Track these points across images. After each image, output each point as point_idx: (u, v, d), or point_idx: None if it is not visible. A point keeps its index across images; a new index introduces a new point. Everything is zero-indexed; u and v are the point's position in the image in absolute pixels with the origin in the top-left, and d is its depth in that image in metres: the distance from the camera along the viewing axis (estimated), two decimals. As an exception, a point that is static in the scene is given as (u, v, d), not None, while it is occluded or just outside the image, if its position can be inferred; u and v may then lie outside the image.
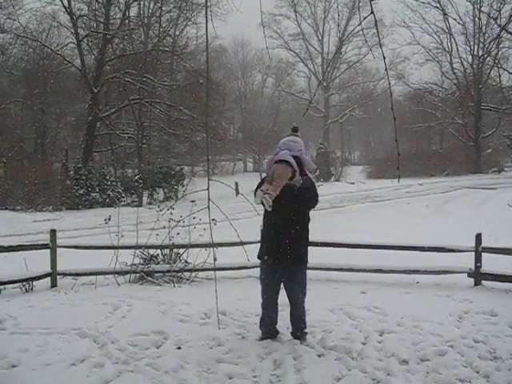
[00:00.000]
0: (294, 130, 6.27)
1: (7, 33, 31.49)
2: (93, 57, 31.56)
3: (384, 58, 3.38)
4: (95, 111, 28.86)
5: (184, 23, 37.55)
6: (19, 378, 5.19)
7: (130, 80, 28.83)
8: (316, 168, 6.09)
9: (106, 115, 29.95)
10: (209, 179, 3.45)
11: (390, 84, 3.50)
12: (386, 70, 3.27)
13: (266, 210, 5.96)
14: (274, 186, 5.61)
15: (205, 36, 38.36)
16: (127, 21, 30.94)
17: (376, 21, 3.28)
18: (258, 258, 6.22)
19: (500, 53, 43.09)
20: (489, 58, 43.81)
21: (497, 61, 43.16)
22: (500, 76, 44.56)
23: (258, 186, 5.93)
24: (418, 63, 47.38)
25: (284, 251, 5.91)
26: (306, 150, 6.07)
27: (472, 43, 44.19)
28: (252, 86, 68.07)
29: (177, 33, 38.83)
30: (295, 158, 5.88)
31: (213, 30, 4.19)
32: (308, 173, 6.09)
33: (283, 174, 5.72)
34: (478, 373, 5.22)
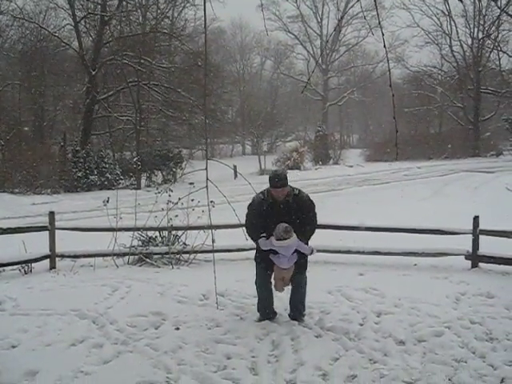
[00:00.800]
0: (287, 231, 5.85)
1: (4, 14, 31.18)
2: (90, 39, 31.32)
3: (384, 41, 3.36)
4: (93, 94, 28.71)
5: (182, 5, 37.15)
6: (19, 358, 5.24)
7: (127, 62, 28.64)
8: (312, 249, 6.09)
9: (104, 98, 29.80)
10: (207, 159, 3.45)
11: (388, 62, 3.47)
12: (385, 47, 3.24)
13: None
14: (287, 281, 6.18)
15: (203, 18, 38.10)
16: (125, 2, 30.60)
17: (376, 1, 3.25)
18: (254, 259, 6.34)
19: (500, 35, 42.79)
20: (489, 40, 43.54)
21: (496, 43, 42.89)
22: (500, 59, 44.35)
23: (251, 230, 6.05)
24: (418, 46, 47.14)
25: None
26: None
27: (472, 26, 43.87)
28: (250, 68, 67.77)
29: (175, 15, 38.50)
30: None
31: (211, 12, 4.17)
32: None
33: (290, 273, 6.09)
34: (474, 353, 5.27)
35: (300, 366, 5.05)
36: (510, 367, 4.94)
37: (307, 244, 6.02)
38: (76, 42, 29.90)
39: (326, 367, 5.00)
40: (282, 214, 5.85)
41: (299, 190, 6.05)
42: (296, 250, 5.92)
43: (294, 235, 5.82)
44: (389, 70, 3.79)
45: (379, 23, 3.57)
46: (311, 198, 6.15)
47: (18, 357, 5.30)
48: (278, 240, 5.77)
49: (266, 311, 6.24)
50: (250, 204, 6.10)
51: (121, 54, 28.29)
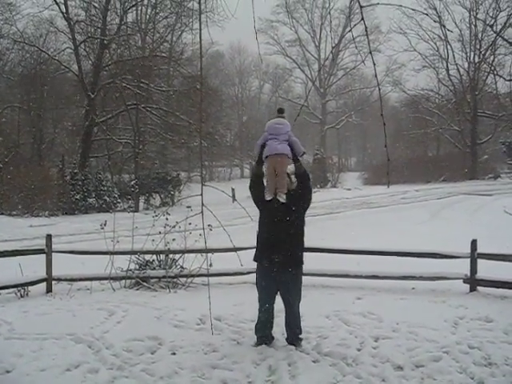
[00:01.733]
0: (280, 112, 6.26)
1: (4, 38, 31.54)
2: (90, 62, 31.59)
3: (374, 65, 3.41)
4: (92, 116, 28.86)
5: (181, 29, 37.60)
6: (14, 383, 5.18)
7: (126, 85, 28.84)
8: (303, 151, 6.12)
9: (103, 120, 29.95)
10: (202, 184, 3.46)
11: (380, 90, 3.51)
12: (376, 76, 3.28)
13: (261, 212, 6.03)
14: (281, 182, 5.88)
15: (202, 42, 38.45)
16: (124, 26, 30.93)
17: (366, 28, 3.31)
18: (254, 260, 6.22)
19: (496, 59, 43.24)
20: (485, 64, 43.93)
21: (493, 67, 43.29)
22: (496, 83, 44.77)
23: (255, 174, 6.18)
24: (415, 70, 47.55)
25: (280, 251, 5.92)
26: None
27: (468, 50, 44.37)
28: (249, 92, 68.26)
29: (174, 39, 38.89)
30: (286, 141, 6.01)
31: (209, 37, 4.21)
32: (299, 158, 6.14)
33: (284, 163, 5.93)
34: (472, 379, 5.23)
35: (297, 391, 5.00)
36: (508, 393, 4.90)
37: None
38: (76, 66, 30.15)
39: (324, 393, 4.96)
40: None
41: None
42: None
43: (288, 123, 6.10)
44: (380, 99, 3.83)
45: (369, 48, 3.60)
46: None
47: (12, 382, 5.24)
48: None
49: (264, 334, 6.17)
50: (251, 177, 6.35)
51: (120, 78, 28.51)
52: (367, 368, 5.49)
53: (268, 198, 5.92)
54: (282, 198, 5.88)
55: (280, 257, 5.92)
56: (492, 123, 44.19)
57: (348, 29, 49.94)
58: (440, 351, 5.90)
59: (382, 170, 40.07)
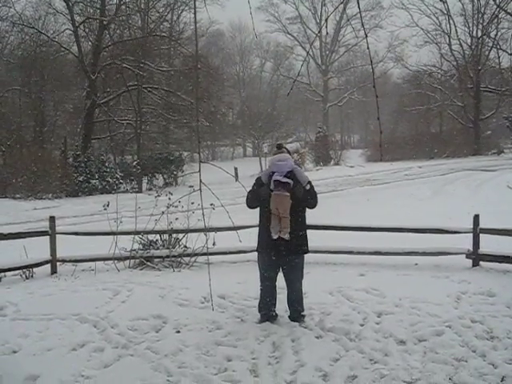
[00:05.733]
0: (279, 148, 6.26)
1: (3, 20, 31.29)
2: (90, 43, 31.40)
3: (368, 45, 3.37)
4: (93, 98, 28.77)
5: (181, 8, 37.29)
6: (20, 363, 5.24)
7: (127, 66, 28.70)
8: (308, 180, 6.16)
9: (104, 102, 29.85)
10: (200, 161, 3.45)
11: (372, 64, 3.48)
12: (367, 46, 3.24)
13: (261, 207, 6.16)
14: (284, 220, 5.95)
15: (202, 21, 38.18)
16: (124, 6, 30.67)
17: (359, 2, 3.26)
18: (256, 250, 6.30)
19: (499, 34, 42.78)
20: (488, 39, 43.50)
21: (496, 42, 42.86)
22: (499, 57, 44.26)
23: (255, 192, 6.22)
24: (417, 45, 47.07)
25: (282, 245, 6.00)
26: (297, 163, 6.17)
27: (471, 24, 43.81)
28: (250, 70, 67.81)
29: (174, 18, 38.60)
30: (289, 172, 6.06)
31: (209, 15, 4.18)
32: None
33: (286, 204, 5.97)
34: (474, 352, 5.27)
35: (300, 367, 5.05)
36: (510, 365, 4.93)
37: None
38: (75, 47, 29.96)
39: (327, 368, 5.00)
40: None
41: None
42: (293, 182, 6.01)
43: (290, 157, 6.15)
44: (372, 70, 3.80)
45: (362, 23, 3.57)
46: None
47: (19, 361, 5.30)
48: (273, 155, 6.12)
49: (267, 311, 6.22)
50: (254, 184, 6.33)
51: (120, 58, 28.37)
52: (370, 343, 5.54)
53: (274, 237, 5.98)
54: (287, 237, 5.95)
55: (282, 248, 6.01)
56: (495, 98, 43.83)
57: (349, 5, 49.37)
58: (442, 325, 5.94)
59: (385, 146, 39.95)
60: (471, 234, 8.67)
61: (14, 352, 5.56)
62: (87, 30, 30.62)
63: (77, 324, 6.35)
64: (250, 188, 6.28)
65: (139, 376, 4.89)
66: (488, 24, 42.67)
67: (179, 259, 9.47)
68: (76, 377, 4.92)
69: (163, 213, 9.45)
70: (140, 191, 26.51)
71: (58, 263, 9.33)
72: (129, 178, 28.56)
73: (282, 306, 6.44)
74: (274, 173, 6.08)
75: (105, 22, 29.12)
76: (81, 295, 7.64)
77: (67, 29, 31.00)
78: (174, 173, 30.13)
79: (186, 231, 9.62)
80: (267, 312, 6.24)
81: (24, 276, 8.90)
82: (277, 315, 6.33)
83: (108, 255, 9.38)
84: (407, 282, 7.96)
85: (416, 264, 9.03)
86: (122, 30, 31.32)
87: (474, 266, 8.69)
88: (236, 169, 27.49)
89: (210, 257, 9.03)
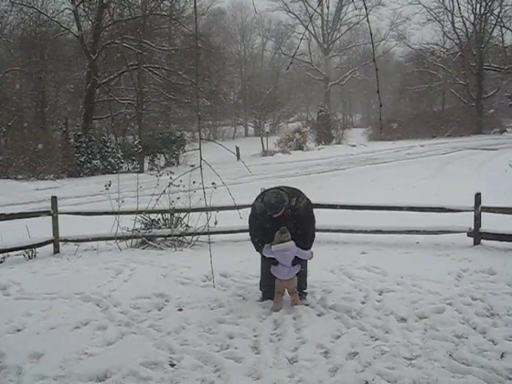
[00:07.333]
0: (283, 233, 5.97)
1: (2, 0, 31.04)
2: (89, 23, 31.16)
3: (366, 9, 3.34)
4: (94, 78, 28.64)
5: (181, -14, 36.87)
6: (24, 341, 5.29)
7: (128, 46, 28.53)
8: (311, 255, 6.21)
9: (105, 82, 29.71)
10: (200, 139, 3.45)
11: (372, 38, 3.46)
12: (367, 18, 3.22)
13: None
14: (295, 297, 6.15)
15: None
16: (123, -16, 30.39)
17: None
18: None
19: (503, 11, 42.36)
20: (491, 16, 43.10)
21: (499, 19, 42.49)
22: (503, 35, 43.94)
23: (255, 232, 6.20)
24: (420, 23, 46.77)
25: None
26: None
27: (474, 1, 43.37)
28: (252, 49, 67.19)
29: (174, -4, 38.18)
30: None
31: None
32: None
33: (293, 283, 6.14)
34: (475, 329, 5.30)
35: (302, 344, 5.09)
36: (510, 342, 4.96)
37: (308, 248, 6.16)
38: (75, 27, 29.75)
39: (328, 345, 5.04)
40: (281, 224, 5.94)
41: (296, 200, 6.04)
42: (297, 260, 6.03)
43: (292, 242, 5.92)
44: (372, 45, 3.78)
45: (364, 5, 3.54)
46: (308, 207, 6.19)
47: (22, 340, 5.35)
48: (275, 244, 5.89)
49: (269, 289, 6.23)
50: (251, 214, 6.22)
51: (120, 38, 28.16)
52: (371, 320, 5.57)
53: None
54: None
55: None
56: (498, 76, 43.58)
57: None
58: (443, 303, 5.97)
59: (387, 125, 39.84)
60: (472, 213, 8.68)
61: (18, 330, 5.62)
62: (87, 9, 30.38)
63: (80, 303, 6.40)
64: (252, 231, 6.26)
65: (142, 353, 4.94)
66: (491, 1, 42.22)
67: (181, 238, 9.51)
68: (79, 354, 4.98)
69: (164, 191, 9.47)
70: (142, 171, 26.51)
71: (60, 243, 9.37)
72: (130, 158, 28.55)
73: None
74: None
75: (104, 1, 28.87)
76: (83, 274, 7.69)
77: (67, 8, 30.78)
78: (176, 153, 30.07)
79: (188, 210, 9.64)
80: (268, 289, 6.27)
81: (27, 256, 8.96)
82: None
83: (110, 235, 9.41)
84: (408, 260, 7.99)
85: (417, 242, 9.05)
86: (122, 9, 31.01)
87: (475, 244, 8.70)
88: (238, 148, 27.46)
89: (211, 236, 9.06)
